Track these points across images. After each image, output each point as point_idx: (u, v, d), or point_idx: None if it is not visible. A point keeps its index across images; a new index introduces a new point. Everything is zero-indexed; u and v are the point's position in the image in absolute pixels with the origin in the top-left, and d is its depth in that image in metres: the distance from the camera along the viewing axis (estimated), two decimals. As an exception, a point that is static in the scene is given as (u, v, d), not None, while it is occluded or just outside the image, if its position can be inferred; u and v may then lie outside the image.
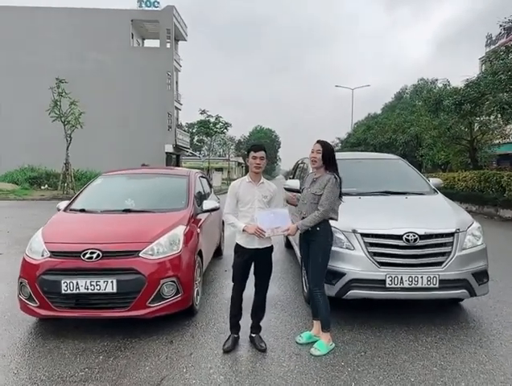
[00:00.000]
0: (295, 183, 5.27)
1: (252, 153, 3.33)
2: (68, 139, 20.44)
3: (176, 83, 36.79)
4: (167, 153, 32.92)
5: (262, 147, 3.38)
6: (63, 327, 3.78)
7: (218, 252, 6.63)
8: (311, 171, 3.69)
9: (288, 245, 7.17)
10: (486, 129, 16.09)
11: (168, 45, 33.89)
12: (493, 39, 35.20)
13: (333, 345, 3.38)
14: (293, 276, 5.62)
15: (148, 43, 39.14)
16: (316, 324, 3.52)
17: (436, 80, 42.43)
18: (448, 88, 15.43)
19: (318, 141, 3.45)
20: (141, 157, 27.34)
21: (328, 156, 3.39)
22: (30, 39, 31.20)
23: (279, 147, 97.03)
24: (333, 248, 3.50)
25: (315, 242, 3.37)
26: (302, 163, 6.73)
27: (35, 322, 3.90)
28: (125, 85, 31.69)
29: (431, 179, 5.18)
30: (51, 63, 29.56)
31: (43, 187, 24.32)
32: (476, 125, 16.29)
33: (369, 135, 30.76)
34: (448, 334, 3.67)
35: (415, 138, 24.08)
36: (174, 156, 36.19)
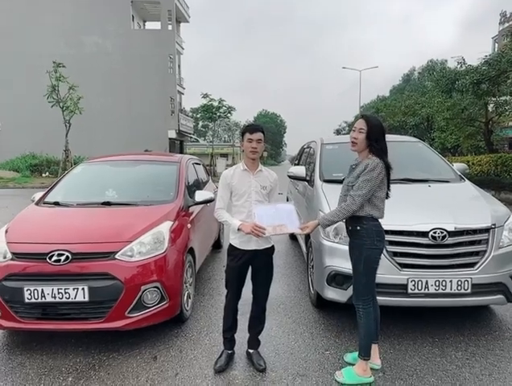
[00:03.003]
0: (300, 170, 4.71)
1: (247, 136, 2.74)
2: (67, 125, 19.85)
3: (179, 66, 35.78)
4: (170, 139, 32.22)
5: (258, 128, 2.78)
6: (34, 338, 3.30)
7: (217, 245, 6.13)
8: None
9: (293, 236, 6.62)
10: (503, 110, 15.17)
11: (170, 27, 32.84)
12: (508, 16, 33.93)
13: (370, 379, 2.63)
14: (298, 272, 5.08)
15: (149, 25, 38.03)
16: (374, 348, 2.78)
17: (446, 60, 41.09)
18: (463, 66, 14.46)
19: (362, 117, 2.70)
20: (144, 143, 26.69)
21: (374, 136, 2.61)
22: (28, 23, 30.30)
23: (285, 132, 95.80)
24: (345, 247, 2.90)
25: (356, 245, 2.66)
26: (308, 148, 6.11)
27: (1, 333, 3.41)
28: (127, 69, 30.86)
29: (454, 164, 4.55)
30: (49, 49, 28.67)
31: (44, 175, 23.97)
32: (492, 105, 15.35)
33: (377, 118, 29.74)
34: (481, 348, 3.11)
35: (426, 121, 23.13)
36: (177, 142, 35.48)
